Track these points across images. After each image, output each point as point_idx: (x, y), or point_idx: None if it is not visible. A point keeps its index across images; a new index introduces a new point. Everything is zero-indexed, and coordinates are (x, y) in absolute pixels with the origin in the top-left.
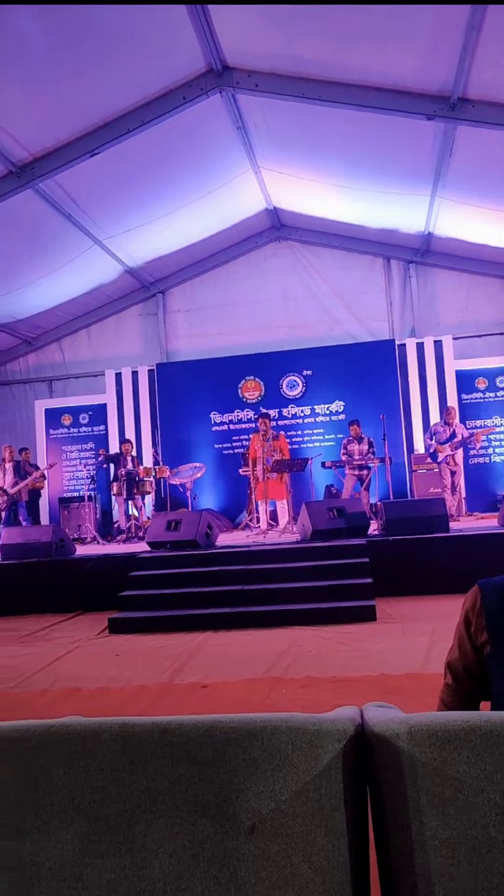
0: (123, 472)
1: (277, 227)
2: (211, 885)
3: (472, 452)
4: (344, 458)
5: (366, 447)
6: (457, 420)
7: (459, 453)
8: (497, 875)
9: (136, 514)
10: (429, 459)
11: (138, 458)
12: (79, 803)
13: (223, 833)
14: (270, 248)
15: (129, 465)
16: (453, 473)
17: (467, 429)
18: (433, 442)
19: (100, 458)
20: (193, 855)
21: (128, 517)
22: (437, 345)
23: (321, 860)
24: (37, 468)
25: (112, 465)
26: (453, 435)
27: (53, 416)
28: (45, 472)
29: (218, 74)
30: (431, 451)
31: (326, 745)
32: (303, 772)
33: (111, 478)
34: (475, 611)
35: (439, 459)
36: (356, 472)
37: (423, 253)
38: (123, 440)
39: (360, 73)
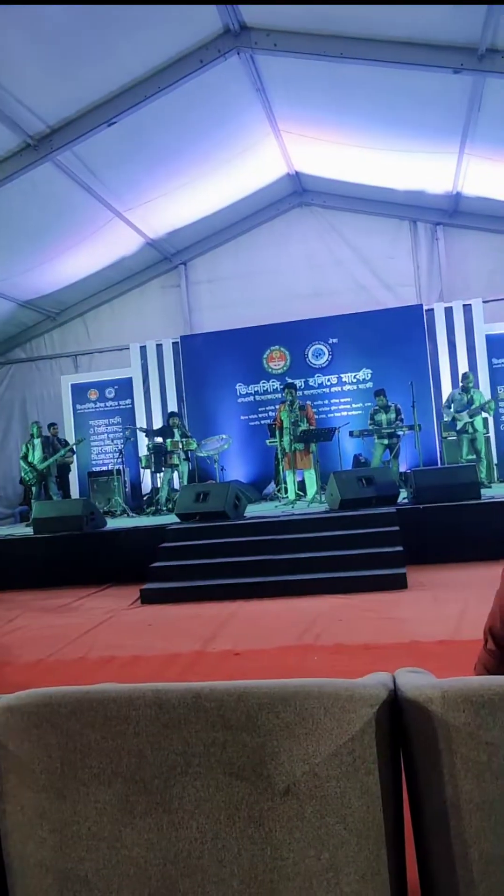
0: (152, 446)
1: (300, 192)
2: (247, 844)
3: (503, 418)
4: (372, 427)
5: (393, 415)
6: (473, 385)
7: (482, 420)
8: None
9: (166, 486)
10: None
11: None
12: (116, 766)
13: (258, 794)
14: (293, 215)
15: (176, 437)
16: (473, 441)
17: (496, 394)
18: (451, 410)
19: (148, 439)
20: (229, 815)
21: (156, 490)
22: (467, 309)
23: (356, 821)
24: (66, 443)
25: (159, 439)
26: (471, 402)
27: (80, 392)
28: (74, 447)
29: (235, 35)
30: (449, 419)
31: (359, 709)
32: (336, 736)
33: (146, 450)
34: None
35: (458, 428)
36: (385, 441)
37: (451, 214)
38: (171, 413)
39: (382, 27)
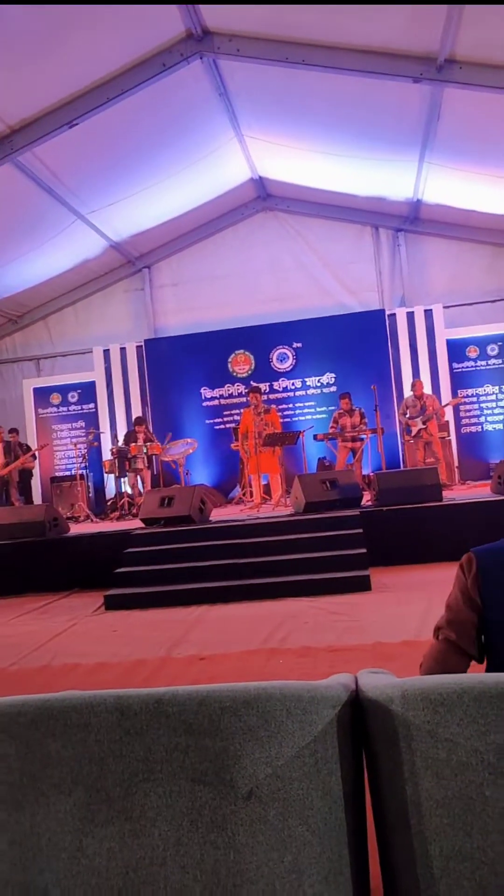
0: (115, 450)
1: (264, 197)
2: (209, 849)
3: (463, 422)
4: (335, 430)
5: (357, 419)
6: (425, 392)
7: (437, 425)
8: (492, 833)
9: (130, 491)
10: (406, 434)
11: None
12: (77, 775)
13: (221, 799)
14: (257, 219)
15: (141, 442)
16: (428, 445)
17: (459, 397)
18: (405, 417)
19: (112, 451)
20: (192, 821)
21: (120, 495)
22: (428, 314)
23: (318, 823)
24: (28, 448)
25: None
26: (423, 408)
27: (42, 396)
28: (36, 453)
29: (198, 39)
30: (404, 426)
31: (321, 711)
32: (298, 737)
33: (109, 455)
34: (471, 576)
35: (413, 433)
36: (348, 444)
37: (412, 221)
38: (137, 419)
39: (344, 36)
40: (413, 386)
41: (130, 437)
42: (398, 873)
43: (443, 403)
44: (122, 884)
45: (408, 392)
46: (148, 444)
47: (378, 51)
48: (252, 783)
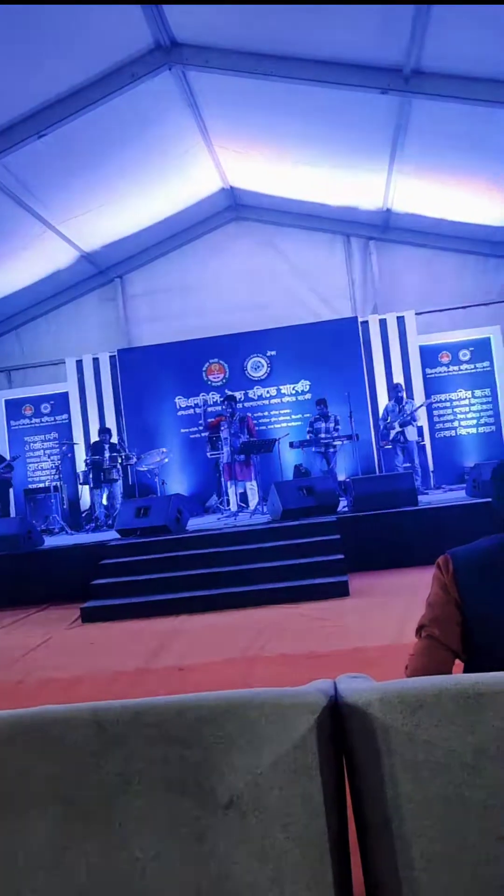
0: (88, 462)
1: (235, 207)
2: (191, 860)
3: (437, 426)
4: (310, 436)
5: (332, 424)
6: (406, 396)
7: (414, 430)
8: (473, 832)
9: (105, 502)
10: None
11: (111, 447)
12: (54, 789)
13: (201, 809)
14: (230, 229)
15: (108, 454)
16: (405, 450)
17: (429, 403)
18: (385, 423)
19: (64, 448)
20: (172, 832)
21: (97, 506)
22: (400, 321)
23: (299, 830)
24: (2, 460)
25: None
26: (402, 412)
27: (14, 407)
28: (12, 464)
29: (166, 51)
30: (382, 429)
31: (300, 717)
32: (277, 745)
33: (83, 466)
34: (449, 575)
35: (391, 438)
36: (322, 450)
37: (383, 229)
38: (103, 428)
39: (313, 47)
40: (395, 388)
41: (96, 447)
42: (381, 877)
43: (415, 407)
44: None
45: (383, 397)
46: (114, 454)
47: (345, 62)
48: (232, 792)
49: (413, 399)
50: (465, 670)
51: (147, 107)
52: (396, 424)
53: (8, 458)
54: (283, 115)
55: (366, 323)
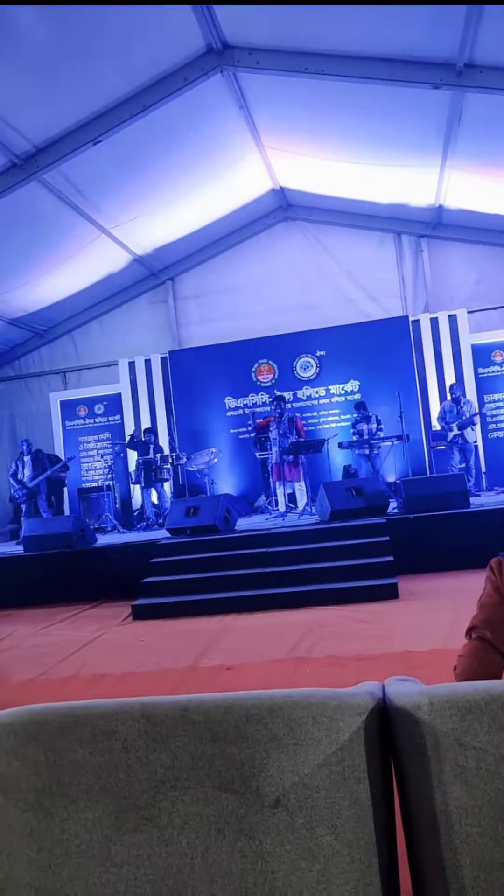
0: (142, 461)
1: (285, 207)
2: (237, 858)
3: (490, 427)
4: (355, 437)
5: (374, 426)
6: (463, 396)
7: (473, 431)
8: None
9: (156, 501)
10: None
11: (156, 447)
12: (104, 782)
13: (247, 807)
14: (279, 229)
15: (151, 454)
16: (462, 451)
17: (483, 403)
18: (444, 423)
19: (116, 448)
20: (219, 829)
21: (148, 505)
22: (452, 319)
23: (347, 832)
24: (57, 460)
25: (135, 453)
26: (461, 413)
27: (69, 408)
28: (67, 464)
29: (218, 53)
30: (442, 429)
31: (347, 718)
32: (324, 745)
33: (135, 466)
34: (501, 578)
35: (449, 439)
36: (366, 451)
37: (435, 226)
38: (146, 430)
39: (362, 44)
40: (452, 388)
41: (139, 446)
42: (429, 883)
43: (474, 409)
44: (151, 892)
45: (434, 397)
46: (158, 455)
47: (397, 59)
48: (278, 791)
49: (469, 399)
50: None
51: (198, 110)
52: (454, 426)
53: (63, 458)
54: (333, 114)
55: (417, 322)
